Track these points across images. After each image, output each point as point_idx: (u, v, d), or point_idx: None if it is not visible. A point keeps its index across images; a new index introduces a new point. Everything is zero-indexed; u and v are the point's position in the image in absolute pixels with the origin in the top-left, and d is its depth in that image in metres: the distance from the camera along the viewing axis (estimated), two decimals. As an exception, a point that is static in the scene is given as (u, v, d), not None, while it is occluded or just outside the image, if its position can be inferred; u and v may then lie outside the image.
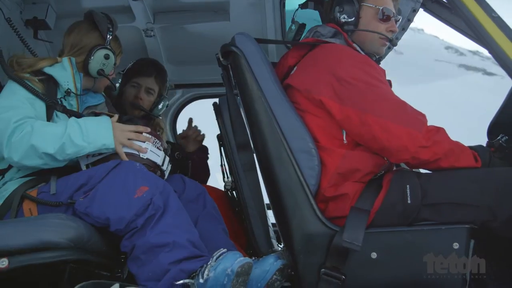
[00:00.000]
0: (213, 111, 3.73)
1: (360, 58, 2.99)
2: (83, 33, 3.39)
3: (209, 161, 4.42)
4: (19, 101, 3.00)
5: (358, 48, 3.13)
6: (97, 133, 2.95)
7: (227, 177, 3.99)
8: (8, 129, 2.85)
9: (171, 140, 5.18)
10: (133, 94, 4.14)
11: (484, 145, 3.08)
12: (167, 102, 4.31)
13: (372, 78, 2.89)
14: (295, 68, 3.12)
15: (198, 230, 2.92)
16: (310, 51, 3.12)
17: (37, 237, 2.54)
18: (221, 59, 3.11)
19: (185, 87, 5.12)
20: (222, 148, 3.93)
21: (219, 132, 3.79)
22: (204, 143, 4.39)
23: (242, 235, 3.83)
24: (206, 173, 4.44)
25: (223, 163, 3.97)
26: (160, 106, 4.23)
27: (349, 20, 3.13)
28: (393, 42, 3.22)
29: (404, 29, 4.24)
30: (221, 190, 4.10)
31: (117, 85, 4.15)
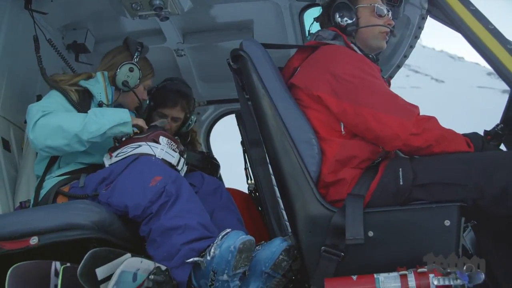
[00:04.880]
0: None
1: (355, 56, 3.28)
2: (116, 53, 3.88)
3: (235, 167, 4.70)
4: (53, 102, 3.46)
5: (355, 48, 3.39)
6: (115, 112, 3.39)
7: (251, 180, 4.26)
8: (37, 115, 3.29)
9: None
10: None
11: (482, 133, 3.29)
12: (194, 118, 4.59)
13: (365, 74, 3.16)
14: (298, 69, 3.41)
15: (214, 219, 3.21)
16: (312, 53, 3.40)
17: (64, 220, 2.87)
18: (231, 63, 3.41)
19: (216, 103, 5.44)
20: (245, 153, 4.21)
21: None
22: (234, 150, 4.67)
23: (266, 234, 4.07)
24: None
25: (246, 166, 4.25)
26: (189, 123, 4.52)
27: (350, 22, 3.41)
28: (393, 33, 3.51)
29: (417, 37, 4.47)
30: (246, 193, 4.38)
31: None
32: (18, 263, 2.62)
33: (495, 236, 3.27)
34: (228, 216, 3.52)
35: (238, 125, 3.99)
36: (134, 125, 3.42)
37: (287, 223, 3.22)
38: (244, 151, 4.22)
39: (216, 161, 4.73)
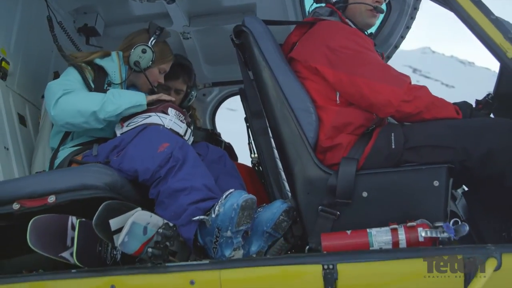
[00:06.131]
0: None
1: (350, 30, 3.49)
2: (135, 34, 4.07)
3: (239, 141, 4.89)
4: (72, 80, 3.68)
5: (350, 23, 3.59)
6: (132, 94, 3.62)
7: (254, 154, 4.46)
8: (58, 93, 3.52)
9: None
10: None
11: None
12: (195, 93, 4.76)
13: (359, 46, 3.37)
14: (297, 44, 3.62)
15: (218, 185, 3.40)
16: (309, 28, 3.61)
17: (78, 181, 3.11)
18: (234, 38, 3.63)
19: (221, 84, 5.60)
20: (249, 129, 4.41)
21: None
22: (238, 128, 4.87)
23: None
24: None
25: (250, 141, 4.45)
26: (189, 97, 4.68)
27: None
28: (378, 9, 3.64)
29: (412, 17, 4.68)
30: (249, 166, 4.59)
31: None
32: (39, 216, 2.85)
33: (485, 203, 3.48)
34: (231, 181, 3.70)
35: (241, 101, 4.18)
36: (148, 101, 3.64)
37: (289, 193, 3.42)
38: (248, 127, 4.43)
39: (220, 137, 4.94)
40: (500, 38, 3.03)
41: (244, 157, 4.85)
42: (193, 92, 4.68)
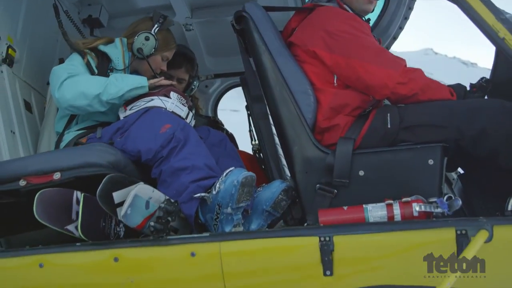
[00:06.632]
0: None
1: (347, 15, 3.58)
2: (140, 22, 4.16)
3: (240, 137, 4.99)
4: (76, 65, 3.77)
5: (348, 9, 3.68)
6: (134, 77, 3.73)
7: (254, 141, 4.54)
8: (62, 76, 3.61)
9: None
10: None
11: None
12: (197, 83, 4.84)
13: (356, 31, 3.46)
14: (296, 29, 3.71)
15: (219, 166, 3.48)
16: (308, 14, 3.70)
17: (83, 159, 3.20)
18: (235, 24, 3.72)
19: (223, 76, 5.70)
20: (250, 117, 4.49)
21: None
22: (240, 119, 4.95)
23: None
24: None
25: (251, 129, 4.53)
26: (191, 87, 4.76)
27: None
28: None
29: (410, 8, 4.78)
30: (250, 154, 4.68)
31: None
32: (45, 189, 2.95)
33: (480, 183, 3.56)
34: (232, 163, 3.72)
35: (242, 88, 4.27)
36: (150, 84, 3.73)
37: (289, 177, 3.50)
38: (249, 115, 4.51)
39: (222, 124, 5.03)
40: (492, 19, 3.10)
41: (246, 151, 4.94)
42: (195, 82, 4.76)
